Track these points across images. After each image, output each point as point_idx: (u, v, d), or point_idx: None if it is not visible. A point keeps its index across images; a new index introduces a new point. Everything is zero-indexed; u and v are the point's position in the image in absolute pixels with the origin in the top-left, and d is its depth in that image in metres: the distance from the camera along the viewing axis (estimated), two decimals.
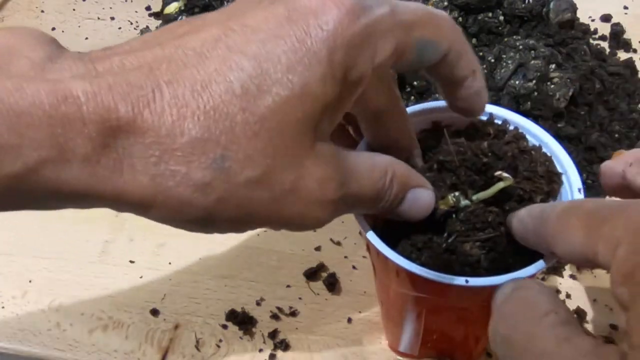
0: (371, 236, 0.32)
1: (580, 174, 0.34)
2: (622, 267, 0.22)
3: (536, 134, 0.36)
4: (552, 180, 0.34)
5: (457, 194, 0.32)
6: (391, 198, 0.31)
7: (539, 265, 0.31)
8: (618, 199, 0.32)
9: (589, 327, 0.44)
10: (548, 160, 0.35)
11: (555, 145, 0.35)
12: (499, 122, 0.37)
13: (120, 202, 0.25)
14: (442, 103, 0.36)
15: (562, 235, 0.26)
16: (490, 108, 0.37)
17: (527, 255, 0.32)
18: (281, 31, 0.26)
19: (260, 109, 0.25)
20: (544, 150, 0.36)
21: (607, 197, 0.42)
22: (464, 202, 0.32)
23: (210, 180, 0.25)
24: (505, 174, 0.32)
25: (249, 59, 0.25)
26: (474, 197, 0.32)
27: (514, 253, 0.32)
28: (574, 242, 0.25)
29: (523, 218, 0.30)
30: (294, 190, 0.27)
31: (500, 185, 0.32)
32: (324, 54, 0.26)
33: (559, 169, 0.35)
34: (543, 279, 0.46)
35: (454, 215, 0.33)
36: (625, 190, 0.34)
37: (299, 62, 0.26)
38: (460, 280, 0.30)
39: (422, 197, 0.32)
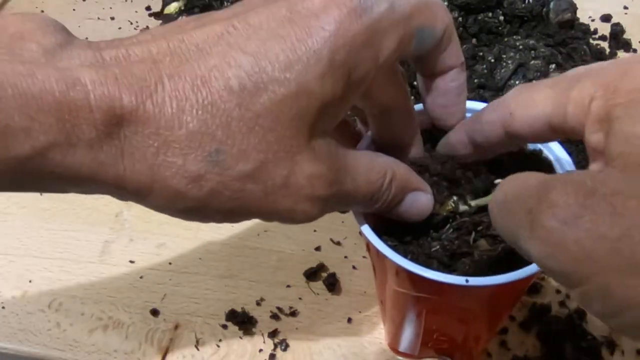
0: (371, 236, 0.32)
1: None
2: (597, 115, 0.23)
3: None
4: None
5: (455, 198, 0.33)
6: (389, 199, 0.31)
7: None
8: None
9: (589, 327, 0.44)
10: (548, 165, 0.35)
11: (555, 146, 0.35)
12: None
13: (120, 189, 0.26)
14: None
15: (522, 107, 0.26)
16: None
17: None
18: (282, 30, 0.26)
19: (256, 105, 0.26)
20: (544, 154, 0.36)
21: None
22: (462, 207, 0.33)
23: (205, 173, 0.26)
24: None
25: (247, 57, 0.26)
26: (473, 203, 0.33)
27: (514, 253, 0.32)
28: (536, 112, 0.26)
29: (460, 124, 0.31)
30: (284, 186, 0.28)
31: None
32: (325, 54, 0.26)
33: (559, 172, 0.35)
34: (543, 279, 0.46)
35: (451, 220, 0.33)
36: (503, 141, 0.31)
37: (297, 61, 0.26)
38: (460, 280, 0.30)
39: (419, 200, 0.32)
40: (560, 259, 0.21)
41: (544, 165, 0.35)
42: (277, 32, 0.26)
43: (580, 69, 0.26)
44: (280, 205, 0.28)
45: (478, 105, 0.37)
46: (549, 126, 0.25)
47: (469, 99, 0.37)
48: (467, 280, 0.30)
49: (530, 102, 0.26)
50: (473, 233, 0.32)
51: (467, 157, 0.31)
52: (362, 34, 0.27)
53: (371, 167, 0.30)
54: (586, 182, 0.21)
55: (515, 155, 0.35)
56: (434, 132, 0.37)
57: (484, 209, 0.32)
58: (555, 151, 0.35)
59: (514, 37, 0.55)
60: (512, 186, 0.24)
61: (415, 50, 0.30)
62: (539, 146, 0.36)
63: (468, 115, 0.34)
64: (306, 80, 0.26)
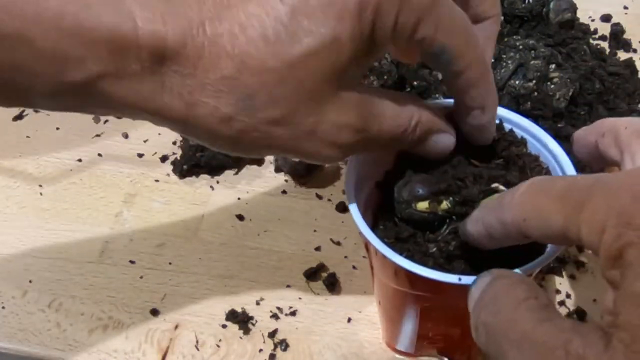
0: (368, 234, 0.32)
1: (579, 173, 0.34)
2: (610, 251, 0.22)
3: (535, 134, 0.36)
4: None
5: (452, 199, 0.33)
6: (412, 141, 0.33)
7: (536, 263, 0.31)
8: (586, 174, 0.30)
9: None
10: (545, 171, 0.35)
11: (555, 147, 0.35)
12: (506, 129, 0.37)
13: (159, 119, 0.29)
14: (443, 103, 0.37)
15: (535, 216, 0.26)
16: None
17: (527, 254, 0.32)
18: None
19: (289, 56, 0.27)
20: (541, 158, 0.36)
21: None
22: (459, 208, 0.33)
23: (235, 115, 0.28)
24: (501, 187, 0.32)
25: (285, 7, 0.27)
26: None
27: (513, 253, 0.32)
28: (550, 224, 0.25)
29: (478, 217, 0.30)
30: (312, 132, 0.29)
31: (496, 197, 0.32)
32: (356, 11, 0.27)
33: (559, 174, 0.35)
34: (543, 278, 0.46)
35: (448, 221, 0.33)
36: (597, 160, 0.33)
37: (332, 16, 0.27)
38: (453, 279, 0.30)
39: (442, 141, 0.33)
40: None
41: (542, 170, 0.35)
42: None
43: (589, 179, 0.24)
44: (307, 148, 0.30)
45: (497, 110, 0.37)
46: (565, 238, 0.25)
47: None
48: (459, 279, 0.30)
49: (543, 214, 0.25)
50: None
51: (485, 246, 0.31)
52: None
53: (398, 112, 0.31)
54: None
55: (515, 158, 0.35)
56: None
57: None
58: (555, 152, 0.35)
59: (514, 37, 0.55)
60: (500, 323, 0.25)
61: (435, 63, 0.31)
62: (538, 146, 0.36)
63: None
64: (339, 35, 0.27)
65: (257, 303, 0.46)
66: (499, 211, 0.28)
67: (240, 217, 0.51)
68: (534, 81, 0.50)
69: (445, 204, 0.32)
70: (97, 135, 0.58)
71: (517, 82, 0.50)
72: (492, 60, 0.51)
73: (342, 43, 0.28)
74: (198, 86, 0.27)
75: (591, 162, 0.34)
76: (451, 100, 0.37)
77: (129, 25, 0.26)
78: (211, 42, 0.27)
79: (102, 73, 0.27)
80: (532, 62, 0.50)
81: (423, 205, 0.32)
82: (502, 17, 0.57)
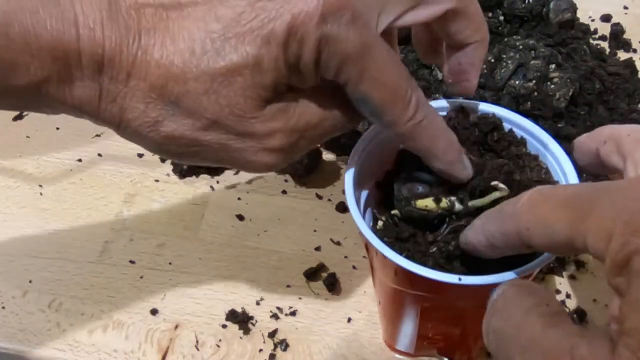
0: (368, 234, 0.32)
1: (579, 176, 0.34)
2: (617, 259, 0.22)
3: (535, 134, 0.36)
4: None
5: (452, 198, 0.33)
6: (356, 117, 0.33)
7: (535, 264, 0.31)
8: (590, 182, 0.30)
9: (588, 327, 0.44)
10: (545, 171, 0.35)
11: (555, 147, 0.35)
12: (506, 129, 0.37)
13: (98, 121, 0.30)
14: (445, 102, 0.37)
15: (539, 226, 0.26)
16: (491, 108, 0.37)
17: (527, 255, 0.32)
18: (256, 6, 0.28)
19: (212, 69, 0.28)
20: (540, 158, 0.36)
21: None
22: (458, 206, 0.33)
23: (162, 120, 0.29)
24: (501, 185, 0.32)
25: (219, 25, 0.28)
26: (469, 204, 0.33)
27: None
28: (554, 233, 0.25)
29: (479, 226, 0.30)
30: (239, 141, 0.30)
31: (496, 195, 0.32)
32: (283, 39, 0.28)
33: (557, 177, 0.35)
34: (543, 279, 0.46)
35: (448, 220, 0.33)
36: (597, 166, 0.33)
37: (260, 39, 0.28)
38: (453, 279, 0.30)
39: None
40: None
41: (541, 170, 0.35)
42: (253, 6, 0.28)
43: (594, 186, 0.24)
44: (238, 157, 0.31)
45: (481, 106, 0.37)
46: (570, 246, 0.25)
47: (469, 99, 0.37)
48: (459, 279, 0.30)
49: (547, 223, 0.25)
50: None
51: (486, 256, 0.30)
52: (314, 35, 0.28)
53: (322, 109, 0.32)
54: None
55: (515, 158, 0.35)
56: None
57: (480, 209, 0.33)
58: (555, 152, 0.35)
59: (514, 37, 0.55)
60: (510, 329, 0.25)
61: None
62: (538, 146, 0.36)
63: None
64: (263, 58, 0.28)
65: (257, 303, 0.46)
66: (500, 221, 0.28)
67: (240, 217, 0.51)
68: (534, 81, 0.50)
69: (444, 202, 0.32)
70: (97, 135, 0.58)
71: (517, 82, 0.50)
72: (492, 61, 0.52)
73: (264, 66, 0.28)
74: (130, 92, 0.29)
75: (591, 169, 0.34)
76: (451, 101, 0.38)
77: (71, 33, 0.27)
78: (144, 51, 0.28)
79: (46, 78, 0.28)
80: (532, 62, 0.50)
81: (423, 203, 0.32)
82: (503, 17, 0.57)
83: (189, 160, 0.32)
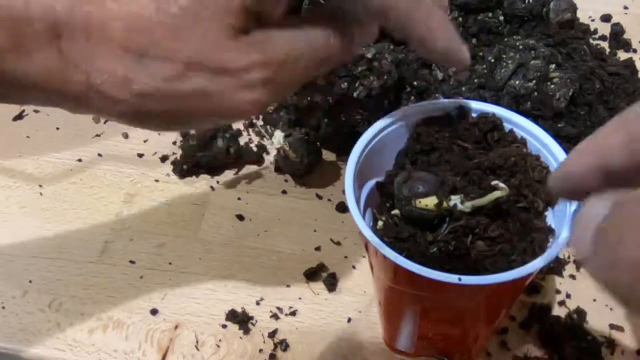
0: (369, 235, 0.32)
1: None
2: None
3: (535, 134, 0.36)
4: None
5: (452, 198, 0.33)
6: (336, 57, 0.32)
7: (536, 264, 0.31)
8: None
9: (588, 327, 0.44)
10: (546, 170, 0.35)
11: (555, 147, 0.35)
12: (506, 129, 0.37)
13: (65, 98, 0.28)
14: (445, 102, 0.37)
15: None
16: (491, 108, 0.37)
17: (526, 255, 0.32)
18: None
19: (175, 7, 0.27)
20: (541, 158, 0.36)
21: None
22: (458, 206, 0.33)
23: (133, 77, 0.27)
24: (501, 184, 0.32)
25: None
26: (469, 204, 0.33)
27: (512, 253, 0.32)
28: None
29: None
30: (217, 81, 0.28)
31: (497, 194, 0.32)
32: None
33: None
34: (543, 278, 0.46)
35: (448, 219, 0.33)
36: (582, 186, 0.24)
37: None
38: (453, 279, 0.30)
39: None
40: None
41: (543, 169, 0.35)
42: None
43: None
44: (219, 103, 0.29)
45: (481, 106, 0.37)
46: None
47: (469, 99, 0.37)
48: (460, 279, 0.30)
49: None
50: (470, 236, 0.32)
51: (595, 191, 0.23)
52: None
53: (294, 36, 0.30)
54: None
55: (516, 156, 0.35)
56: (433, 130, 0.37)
57: (480, 209, 0.33)
58: (555, 152, 0.35)
59: (514, 37, 0.55)
60: None
61: None
62: (538, 146, 0.36)
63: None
64: None
65: (257, 303, 0.46)
66: (611, 135, 0.22)
67: (240, 217, 0.51)
68: (534, 81, 0.50)
69: (445, 202, 0.32)
70: (97, 135, 0.58)
71: (517, 82, 0.50)
72: (492, 61, 0.52)
73: None
74: (92, 52, 0.27)
75: (570, 192, 0.26)
76: (451, 101, 0.38)
77: (20, 1, 0.26)
78: (98, 8, 0.27)
79: (1, 50, 0.27)
80: (532, 62, 0.50)
81: (423, 203, 0.32)
82: (503, 17, 0.57)
83: (172, 125, 0.30)
